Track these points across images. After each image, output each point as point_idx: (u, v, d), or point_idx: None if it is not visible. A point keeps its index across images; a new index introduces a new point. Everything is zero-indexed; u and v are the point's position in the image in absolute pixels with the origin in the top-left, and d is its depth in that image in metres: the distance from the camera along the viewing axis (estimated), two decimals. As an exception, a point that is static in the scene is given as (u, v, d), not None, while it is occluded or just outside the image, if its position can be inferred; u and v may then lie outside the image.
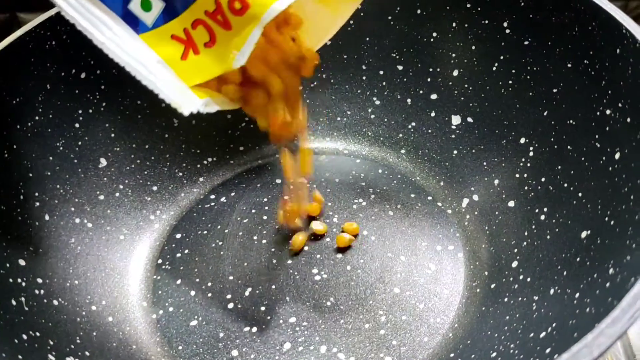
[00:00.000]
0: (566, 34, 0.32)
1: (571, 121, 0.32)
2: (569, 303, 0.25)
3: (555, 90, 0.33)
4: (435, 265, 0.34)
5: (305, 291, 0.33)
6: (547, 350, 0.23)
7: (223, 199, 0.39)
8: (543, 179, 0.33)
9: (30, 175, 0.32)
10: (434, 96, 0.40)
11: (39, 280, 0.30)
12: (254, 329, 0.32)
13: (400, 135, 0.41)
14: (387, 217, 0.37)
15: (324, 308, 0.32)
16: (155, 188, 0.38)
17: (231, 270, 0.35)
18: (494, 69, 0.37)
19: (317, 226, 0.36)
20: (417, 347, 0.30)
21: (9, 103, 0.32)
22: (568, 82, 0.32)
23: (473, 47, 0.38)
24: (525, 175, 0.34)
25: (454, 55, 0.39)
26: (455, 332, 0.31)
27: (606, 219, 0.27)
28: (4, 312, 0.27)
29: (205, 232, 0.37)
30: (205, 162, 0.40)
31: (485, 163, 0.37)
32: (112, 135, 0.37)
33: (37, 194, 0.32)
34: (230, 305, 0.33)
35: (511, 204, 0.34)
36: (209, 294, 0.34)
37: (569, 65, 0.32)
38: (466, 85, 0.38)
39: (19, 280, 0.29)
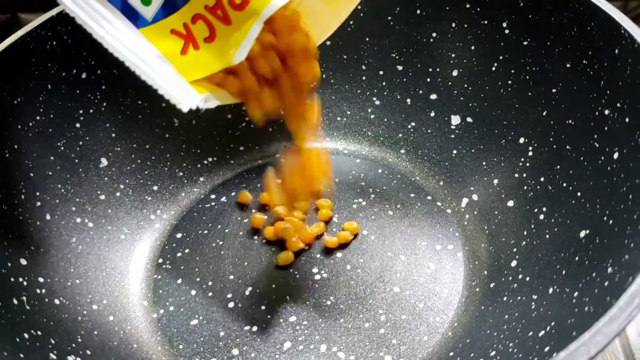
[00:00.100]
0: (565, 34, 0.32)
1: (570, 121, 0.32)
2: (567, 302, 0.25)
3: (554, 90, 0.33)
4: (435, 265, 0.34)
5: (305, 290, 0.33)
6: (546, 349, 0.23)
7: (223, 199, 0.39)
8: (542, 179, 0.33)
9: (32, 174, 0.32)
10: (433, 96, 0.40)
11: (40, 280, 0.30)
12: (255, 328, 0.32)
13: (400, 135, 0.41)
14: (386, 217, 0.37)
15: (324, 307, 0.33)
16: (155, 188, 0.39)
17: (232, 269, 0.35)
18: (494, 69, 0.37)
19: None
20: (416, 346, 0.30)
21: (10, 103, 0.32)
22: (567, 82, 0.32)
23: (472, 47, 0.38)
24: (525, 175, 0.34)
25: (453, 55, 0.39)
26: (454, 331, 0.31)
27: (605, 218, 0.27)
28: (6, 311, 0.27)
29: (205, 231, 0.37)
30: (205, 161, 0.41)
31: (484, 163, 0.37)
32: (113, 135, 0.37)
33: (38, 193, 0.33)
34: (231, 305, 0.33)
35: (510, 203, 0.35)
36: (210, 293, 0.34)
37: (568, 66, 0.32)
38: (466, 85, 0.38)
39: (21, 279, 0.29)
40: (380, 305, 0.32)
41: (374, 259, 0.35)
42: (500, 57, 0.36)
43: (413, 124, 0.41)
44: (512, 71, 0.36)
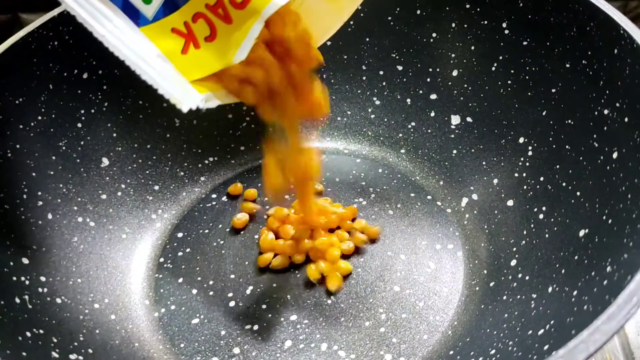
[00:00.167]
0: (565, 34, 0.32)
1: (570, 121, 0.32)
2: (566, 301, 0.25)
3: (553, 90, 0.33)
4: (435, 264, 0.34)
5: (305, 289, 0.34)
6: (545, 347, 0.23)
7: (224, 198, 0.39)
8: (542, 178, 0.33)
9: (34, 174, 0.33)
10: (433, 96, 0.40)
11: (42, 279, 0.30)
12: (256, 327, 0.32)
13: (400, 135, 0.41)
14: (387, 216, 0.37)
15: (324, 306, 0.33)
16: (157, 187, 0.39)
17: (232, 268, 0.35)
18: (493, 69, 0.37)
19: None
20: (416, 344, 0.31)
21: (12, 103, 0.32)
22: (566, 82, 0.32)
23: (472, 48, 0.38)
24: (524, 175, 0.34)
25: (453, 55, 0.39)
26: (454, 329, 0.31)
27: (604, 217, 0.27)
28: (8, 310, 0.27)
29: (206, 231, 0.37)
30: (206, 161, 0.41)
31: (484, 162, 0.37)
32: (114, 135, 0.37)
33: (40, 193, 0.33)
34: (232, 304, 0.33)
35: (510, 203, 0.35)
36: (211, 292, 0.34)
37: (568, 66, 0.32)
38: (465, 85, 0.39)
39: (23, 278, 0.29)
40: (380, 304, 0.33)
41: (374, 258, 0.35)
42: (500, 57, 0.36)
43: (413, 123, 0.41)
44: (512, 71, 0.36)
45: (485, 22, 0.37)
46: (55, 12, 0.33)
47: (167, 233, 0.37)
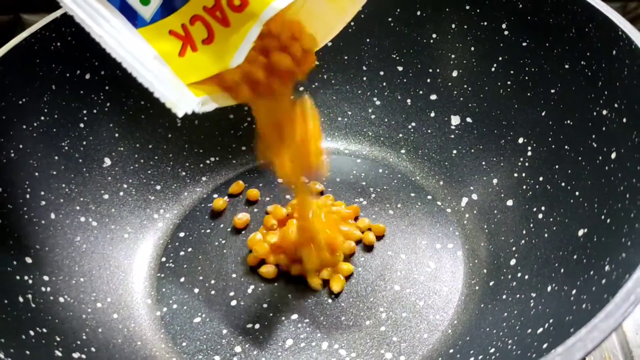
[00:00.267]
0: (564, 35, 0.32)
1: (568, 121, 0.32)
2: (565, 300, 0.26)
3: (553, 91, 0.33)
4: (435, 263, 0.35)
5: (306, 289, 0.34)
6: (544, 346, 0.23)
7: (225, 198, 0.40)
8: (541, 178, 0.33)
9: (36, 174, 0.33)
10: (433, 96, 0.40)
11: (45, 278, 0.31)
12: (257, 326, 0.32)
13: (400, 135, 0.42)
14: (387, 216, 0.38)
15: (325, 305, 0.33)
16: (158, 187, 0.39)
17: (234, 268, 0.35)
18: (493, 69, 0.37)
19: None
20: (417, 343, 0.31)
21: (15, 103, 0.32)
22: (565, 82, 0.33)
23: (472, 48, 0.38)
24: (524, 175, 0.35)
25: (453, 56, 0.39)
26: (454, 328, 0.31)
27: (602, 217, 0.27)
28: (12, 309, 0.27)
29: (208, 230, 0.38)
30: (208, 161, 0.41)
31: (484, 163, 0.38)
32: (116, 135, 0.37)
33: (42, 192, 0.33)
34: (233, 303, 0.33)
35: (510, 202, 0.35)
36: (212, 292, 0.34)
37: (567, 66, 0.32)
38: (465, 86, 0.39)
39: (26, 277, 0.30)
40: (380, 303, 0.33)
41: (374, 257, 0.35)
42: (500, 58, 0.37)
43: (413, 124, 0.41)
44: (512, 72, 0.36)
45: (485, 23, 0.37)
46: (57, 13, 0.34)
47: (168, 233, 0.38)
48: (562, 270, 0.28)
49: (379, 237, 0.36)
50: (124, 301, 0.34)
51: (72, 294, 0.31)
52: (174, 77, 0.24)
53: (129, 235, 0.36)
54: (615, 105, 0.29)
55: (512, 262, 0.32)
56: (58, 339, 0.28)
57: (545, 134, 0.34)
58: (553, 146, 0.33)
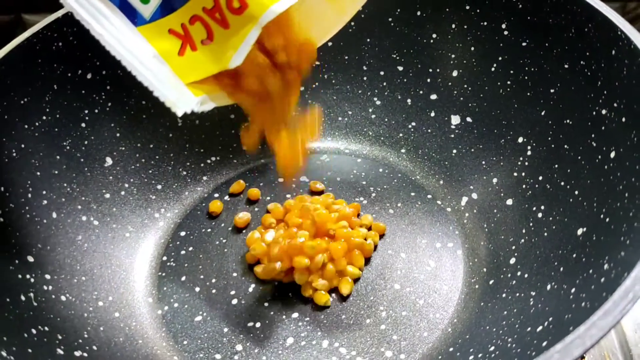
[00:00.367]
0: (563, 35, 0.33)
1: (568, 121, 0.32)
2: (565, 298, 0.26)
3: (552, 91, 0.34)
4: (435, 262, 0.35)
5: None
6: (544, 344, 0.24)
7: (226, 198, 0.40)
8: (540, 178, 0.33)
9: (38, 173, 0.33)
10: (433, 96, 0.40)
11: (47, 277, 0.31)
12: (258, 324, 0.32)
13: (401, 134, 0.42)
14: (387, 215, 0.38)
15: (325, 304, 0.33)
16: (159, 187, 0.39)
17: (235, 267, 0.35)
18: (493, 69, 0.37)
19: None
20: (417, 341, 0.31)
21: (17, 103, 0.32)
22: (565, 82, 0.33)
23: (472, 48, 0.38)
24: (523, 174, 0.35)
25: (453, 56, 0.39)
26: (454, 327, 0.31)
27: (602, 216, 0.27)
28: (14, 307, 0.27)
29: (209, 229, 0.38)
30: (208, 161, 0.41)
31: (484, 162, 0.38)
32: (118, 134, 0.38)
33: (44, 192, 0.33)
34: (234, 301, 0.34)
35: (509, 202, 0.35)
36: (213, 290, 0.34)
37: (566, 66, 0.32)
38: (465, 86, 0.39)
39: (28, 276, 0.30)
40: (381, 302, 0.33)
41: (374, 256, 0.35)
42: (500, 58, 0.37)
43: (413, 123, 0.41)
44: (511, 72, 0.36)
45: (485, 23, 0.37)
46: (59, 13, 0.34)
47: (170, 232, 0.38)
48: (561, 268, 0.28)
49: (379, 236, 0.36)
50: (125, 300, 0.34)
51: (74, 292, 0.32)
52: (173, 76, 0.24)
53: (130, 234, 0.37)
54: (615, 104, 0.29)
55: (512, 260, 0.32)
56: (60, 337, 0.28)
57: (545, 133, 0.34)
58: (552, 145, 0.33)
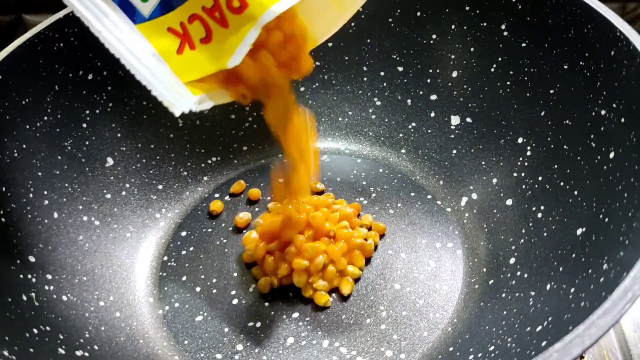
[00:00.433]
0: (563, 36, 0.33)
1: (567, 121, 0.32)
2: (564, 298, 0.26)
3: (552, 91, 0.34)
4: (435, 262, 0.35)
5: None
6: (543, 343, 0.24)
7: (227, 198, 0.40)
8: (540, 178, 0.33)
9: (40, 174, 0.33)
10: (433, 97, 0.41)
11: (49, 276, 0.31)
12: (258, 324, 0.32)
13: (401, 135, 0.42)
14: (387, 215, 0.38)
15: (326, 304, 0.33)
16: (160, 187, 0.39)
17: (235, 267, 0.36)
18: (493, 70, 0.37)
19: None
20: (417, 341, 0.31)
21: (18, 103, 0.32)
22: (564, 83, 0.33)
23: (472, 49, 0.38)
24: (523, 174, 0.35)
25: (453, 56, 0.39)
26: (454, 326, 0.31)
27: (601, 216, 0.27)
28: (15, 307, 0.27)
29: (209, 229, 0.38)
30: (209, 161, 0.41)
31: (483, 162, 0.38)
32: (119, 135, 0.38)
33: (46, 192, 0.33)
34: (235, 301, 0.34)
35: (509, 202, 0.35)
36: (214, 290, 0.34)
37: (565, 67, 0.33)
38: (465, 86, 0.39)
39: (29, 276, 0.30)
40: (381, 302, 0.33)
41: (374, 256, 0.35)
42: (499, 59, 0.37)
43: (413, 124, 0.41)
44: (511, 72, 0.36)
45: (485, 24, 0.37)
46: (60, 14, 0.34)
47: (170, 232, 0.38)
48: (561, 268, 0.28)
49: (379, 236, 0.36)
50: (126, 300, 0.34)
51: (75, 292, 0.32)
52: (171, 75, 0.24)
53: (131, 235, 0.37)
54: (614, 105, 0.29)
55: (512, 260, 0.32)
56: (61, 337, 0.28)
57: (545, 133, 0.34)
58: (552, 146, 0.33)
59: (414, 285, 0.34)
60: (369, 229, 0.36)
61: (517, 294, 0.30)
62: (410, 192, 0.39)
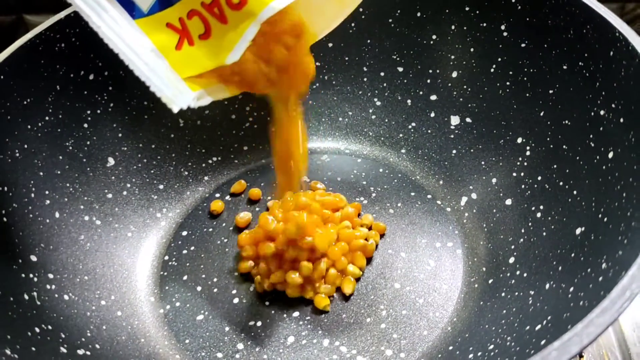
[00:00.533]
0: (562, 36, 0.33)
1: (566, 121, 0.32)
2: (563, 297, 0.26)
3: (551, 92, 0.34)
4: (435, 262, 0.35)
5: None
6: (542, 342, 0.24)
7: (227, 197, 0.40)
8: (539, 178, 0.34)
9: (41, 173, 0.33)
10: (433, 97, 0.41)
11: (50, 276, 0.31)
12: (259, 323, 0.33)
13: (401, 135, 0.42)
14: (387, 215, 0.38)
15: (326, 303, 0.33)
16: (161, 187, 0.39)
17: (236, 266, 0.36)
18: (492, 70, 0.37)
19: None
20: (417, 340, 0.31)
21: (20, 103, 0.32)
22: (564, 83, 0.33)
23: (472, 49, 0.38)
24: (522, 174, 0.35)
25: (453, 57, 0.39)
26: (454, 325, 0.32)
27: (600, 216, 0.28)
28: (18, 306, 0.27)
29: (210, 229, 0.38)
30: (210, 161, 0.41)
31: (483, 162, 0.38)
32: (120, 135, 0.38)
33: (47, 192, 0.33)
34: (236, 300, 0.34)
35: (508, 202, 0.35)
36: (215, 289, 0.35)
37: (565, 67, 0.33)
38: (465, 87, 0.39)
39: (31, 275, 0.30)
40: (381, 301, 0.33)
41: (375, 256, 0.35)
42: (499, 59, 0.37)
43: (413, 124, 0.42)
44: (510, 73, 0.36)
45: (484, 24, 0.37)
46: (62, 14, 0.34)
47: (171, 231, 0.38)
48: (560, 268, 0.28)
49: (380, 236, 0.36)
50: (127, 299, 0.34)
51: (77, 291, 0.32)
52: (170, 71, 0.24)
53: (132, 234, 0.37)
54: (613, 105, 0.29)
55: (511, 260, 0.33)
56: (63, 335, 0.28)
57: (544, 134, 0.34)
58: (551, 146, 0.33)
59: (414, 285, 0.34)
60: (369, 228, 0.37)
61: (516, 293, 0.30)
62: (410, 191, 0.39)
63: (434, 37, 0.40)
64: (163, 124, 0.39)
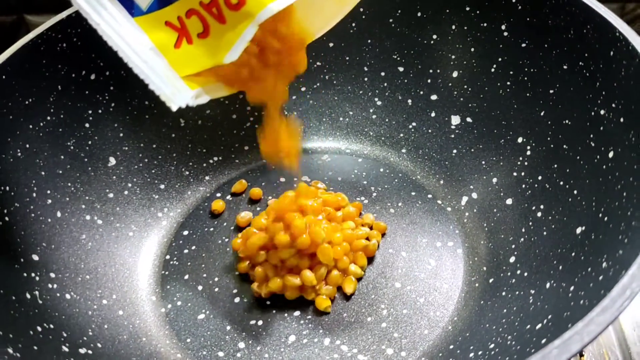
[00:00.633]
0: (562, 36, 0.33)
1: (567, 121, 0.32)
2: (564, 296, 0.26)
3: (551, 91, 0.34)
4: (435, 261, 0.35)
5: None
6: (543, 341, 0.24)
7: (228, 197, 0.40)
8: (540, 177, 0.34)
9: (43, 173, 0.33)
10: (434, 97, 0.41)
11: (52, 275, 0.31)
12: (260, 322, 0.33)
13: (401, 135, 0.42)
14: (388, 215, 0.38)
15: (327, 302, 0.33)
16: (162, 186, 0.39)
17: (237, 265, 0.36)
18: (493, 70, 0.38)
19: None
20: (417, 339, 0.31)
21: (22, 103, 0.33)
22: (564, 83, 0.33)
23: (472, 49, 0.39)
24: (523, 174, 0.35)
25: (453, 57, 0.40)
26: (454, 325, 0.32)
27: (600, 215, 0.28)
28: (19, 305, 0.28)
29: (211, 229, 0.38)
30: (211, 161, 0.41)
31: (483, 162, 0.38)
32: (121, 134, 0.38)
33: (49, 191, 0.33)
34: (237, 300, 0.34)
35: (509, 201, 0.35)
36: (216, 289, 0.35)
37: (565, 67, 0.33)
38: (465, 86, 0.39)
39: (33, 274, 0.30)
40: (382, 300, 0.33)
41: (375, 255, 0.36)
42: (499, 59, 0.37)
43: (414, 124, 0.42)
44: (511, 72, 0.36)
45: (485, 24, 0.37)
46: (63, 14, 0.34)
47: (172, 231, 0.38)
48: (560, 267, 0.29)
49: (380, 235, 0.37)
50: (129, 298, 0.34)
51: (78, 290, 0.32)
52: (169, 69, 0.24)
53: (133, 234, 0.37)
54: (613, 105, 0.29)
55: (512, 259, 0.33)
56: (65, 334, 0.28)
57: (544, 133, 0.34)
58: (552, 145, 0.33)
59: (414, 284, 0.34)
60: (370, 228, 0.37)
61: (517, 292, 0.30)
62: (411, 191, 0.39)
63: (434, 37, 0.40)
64: (164, 124, 0.40)
